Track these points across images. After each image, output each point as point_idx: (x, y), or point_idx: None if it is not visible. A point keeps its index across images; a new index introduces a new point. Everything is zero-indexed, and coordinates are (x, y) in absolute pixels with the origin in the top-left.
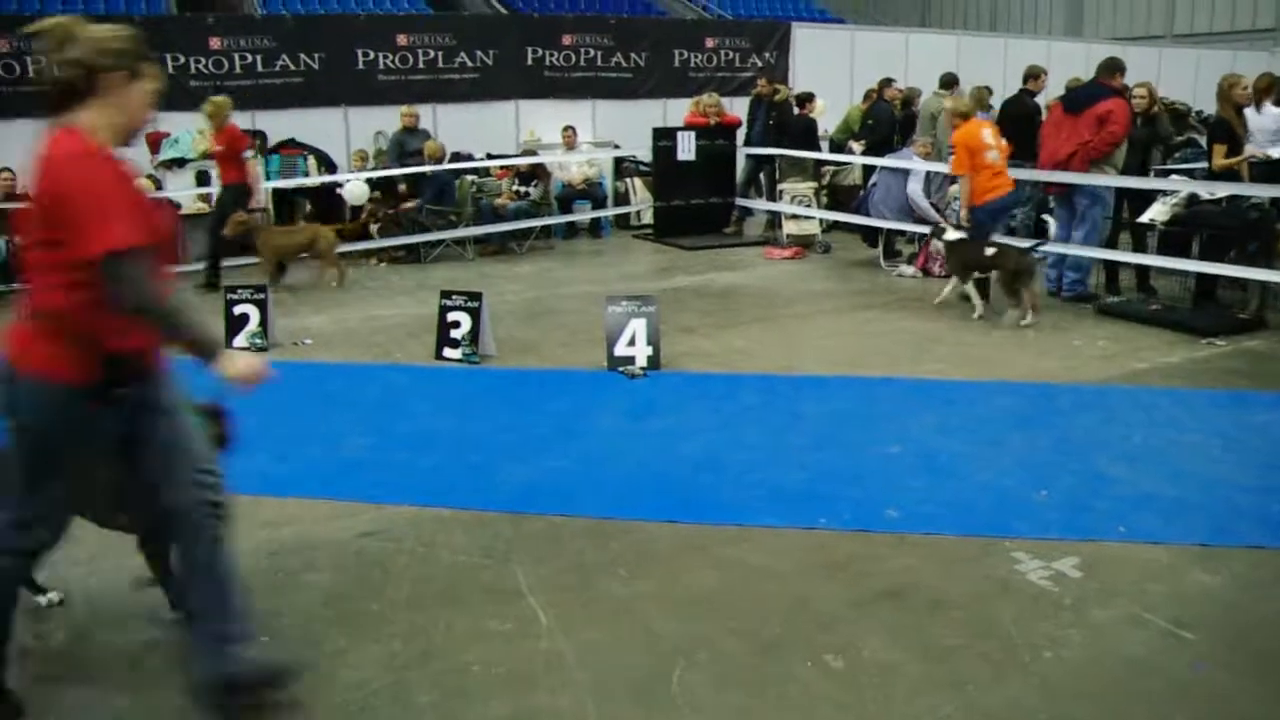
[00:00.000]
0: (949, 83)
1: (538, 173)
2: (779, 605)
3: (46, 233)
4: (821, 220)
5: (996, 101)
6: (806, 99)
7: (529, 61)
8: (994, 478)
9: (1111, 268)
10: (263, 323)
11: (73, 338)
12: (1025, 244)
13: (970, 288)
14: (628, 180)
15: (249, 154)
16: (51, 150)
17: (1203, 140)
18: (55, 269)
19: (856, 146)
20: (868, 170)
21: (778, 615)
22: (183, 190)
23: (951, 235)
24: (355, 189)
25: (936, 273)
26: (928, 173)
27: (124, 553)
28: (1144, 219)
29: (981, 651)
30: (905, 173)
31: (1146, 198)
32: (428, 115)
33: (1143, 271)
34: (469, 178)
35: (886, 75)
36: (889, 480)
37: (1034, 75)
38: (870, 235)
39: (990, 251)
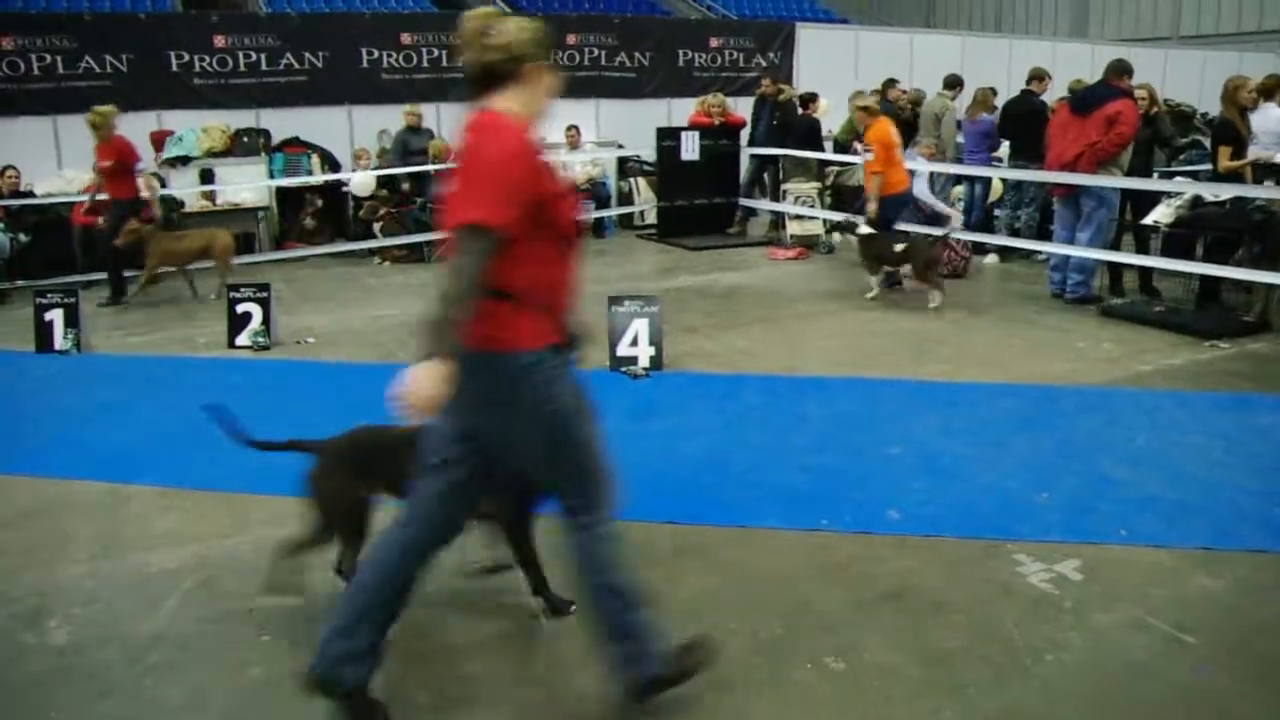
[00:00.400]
0: (953, 84)
1: None
2: (780, 607)
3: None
4: (825, 221)
5: (1000, 102)
6: (810, 99)
7: None
8: (996, 480)
9: (1115, 270)
10: (265, 321)
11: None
12: (936, 234)
13: (874, 277)
14: (631, 180)
15: (141, 167)
16: (479, 126)
17: (1207, 142)
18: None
19: (860, 147)
20: None
21: (779, 617)
22: (186, 188)
23: (863, 230)
24: (361, 179)
25: (944, 273)
26: (931, 173)
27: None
28: (1148, 221)
29: (982, 654)
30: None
31: (1150, 199)
32: (431, 114)
33: (1146, 273)
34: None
35: (890, 76)
36: (891, 482)
37: (1038, 77)
38: None
39: (900, 246)
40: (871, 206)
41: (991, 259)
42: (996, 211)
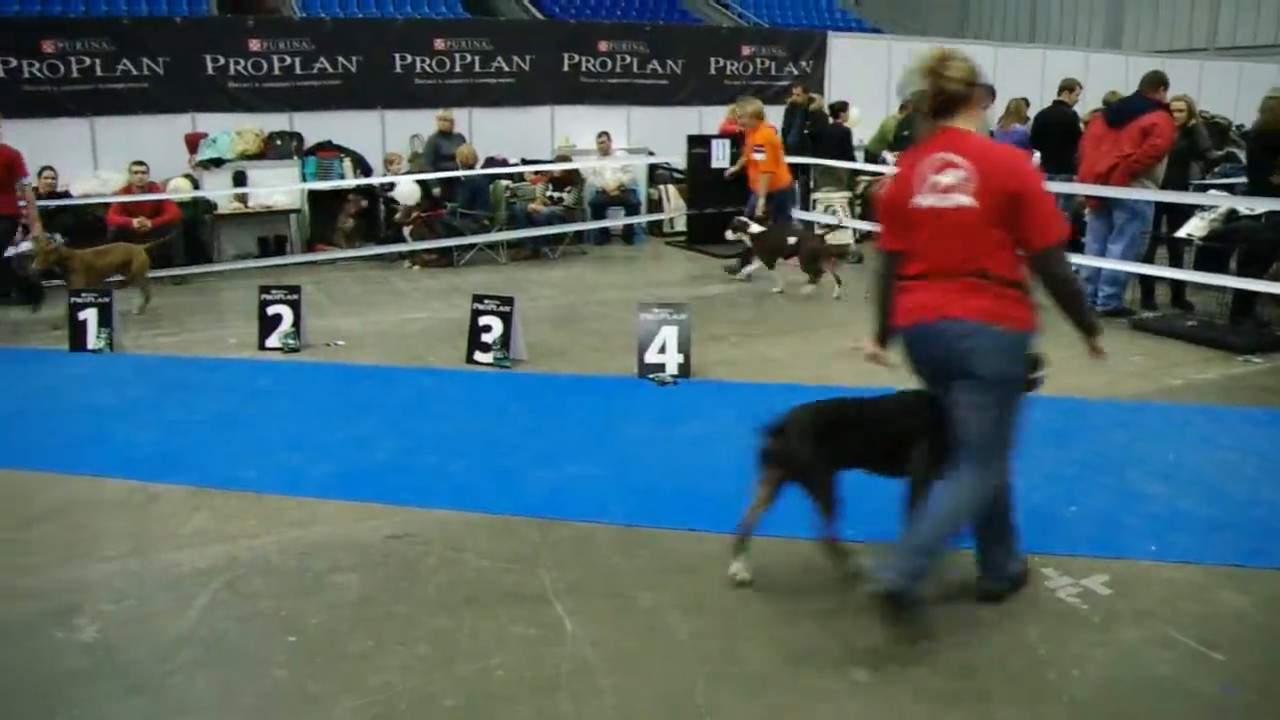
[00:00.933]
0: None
1: (571, 178)
2: (806, 615)
3: (1002, 216)
4: (855, 230)
5: (1033, 113)
6: (840, 108)
7: (565, 67)
8: (1024, 493)
9: (1148, 283)
10: (295, 323)
11: (1025, 297)
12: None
13: (776, 271)
14: (661, 187)
15: (26, 181)
16: (988, 147)
17: (1243, 155)
18: (1007, 245)
19: (891, 157)
20: None
21: (806, 627)
22: (220, 190)
23: (755, 228)
24: (407, 188)
25: None
26: None
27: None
28: (1181, 233)
29: (1008, 668)
30: None
31: (1185, 212)
32: (464, 119)
33: (1179, 287)
34: (503, 182)
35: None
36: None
37: (1069, 87)
38: None
39: (792, 240)
40: (763, 203)
41: None
42: None
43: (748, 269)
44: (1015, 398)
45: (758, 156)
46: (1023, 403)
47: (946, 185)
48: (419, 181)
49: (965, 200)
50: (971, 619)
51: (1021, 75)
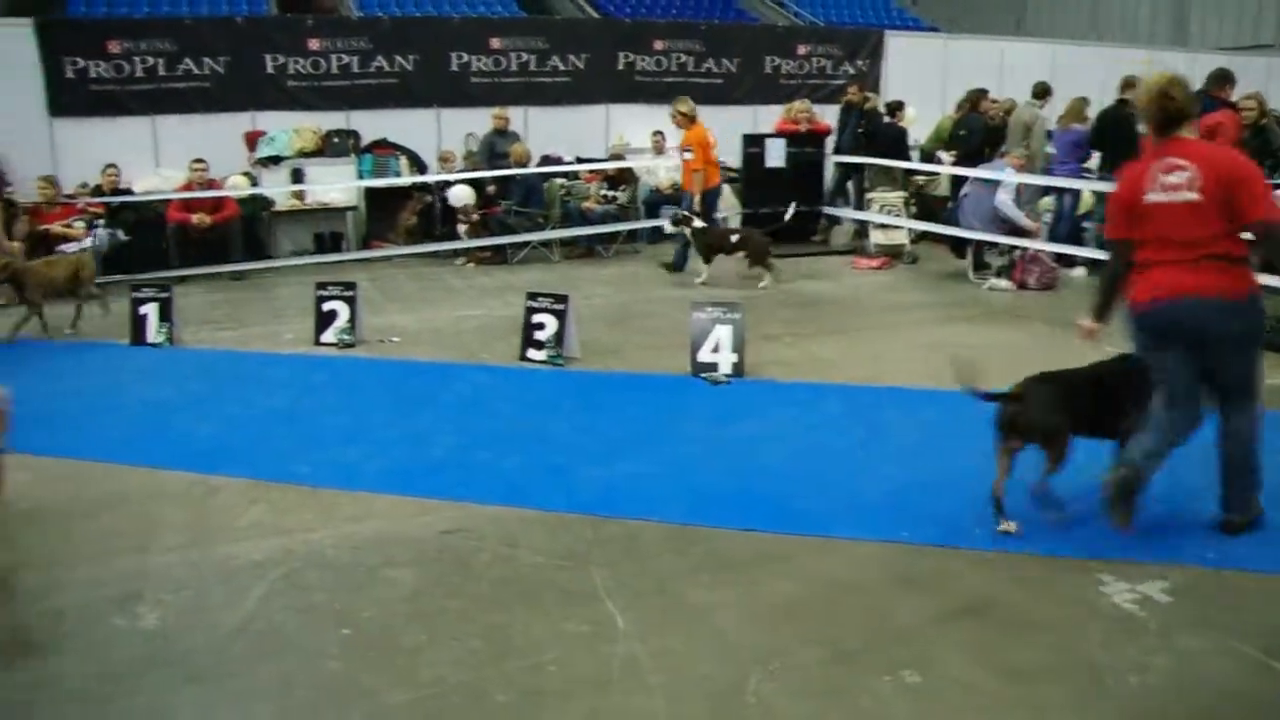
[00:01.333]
0: (1041, 92)
1: (625, 177)
2: (858, 617)
3: (1223, 206)
4: (910, 230)
5: (1093, 112)
6: (896, 107)
7: (620, 66)
8: (1083, 495)
9: None
10: (351, 319)
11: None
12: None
13: (706, 266)
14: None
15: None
16: (1210, 150)
17: None
18: (1229, 230)
19: (946, 157)
20: (957, 181)
21: (856, 627)
22: (278, 187)
23: (698, 223)
24: (461, 192)
25: (1032, 286)
26: (1018, 184)
27: None
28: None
29: (1064, 675)
30: (996, 183)
31: None
32: (519, 118)
33: None
34: (558, 180)
35: (979, 85)
36: (974, 496)
37: (1131, 85)
38: (959, 246)
39: (735, 237)
40: (697, 200)
41: (1079, 272)
42: (1085, 224)
43: (700, 280)
44: (1257, 350)
45: (686, 156)
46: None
47: (1174, 184)
48: (473, 180)
49: (1192, 196)
50: (1025, 622)
51: (1081, 74)
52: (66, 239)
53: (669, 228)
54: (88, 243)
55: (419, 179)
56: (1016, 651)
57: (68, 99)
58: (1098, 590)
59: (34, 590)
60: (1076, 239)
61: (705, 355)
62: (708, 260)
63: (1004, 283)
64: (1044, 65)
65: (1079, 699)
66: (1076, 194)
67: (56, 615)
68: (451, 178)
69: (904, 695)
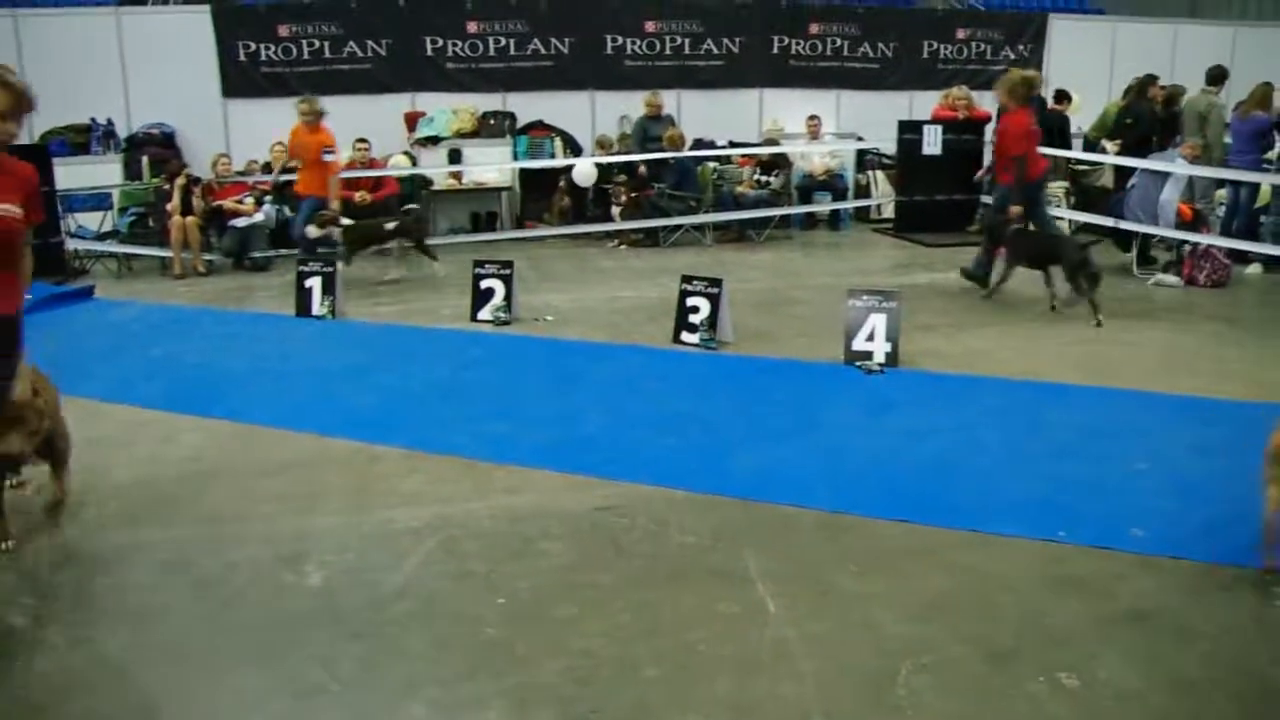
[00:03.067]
0: (1217, 78)
1: (779, 162)
2: (1012, 616)
3: None
4: (1070, 222)
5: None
6: (1063, 96)
7: (775, 50)
8: (1257, 506)
9: None
10: (507, 297)
11: None
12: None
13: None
14: (870, 173)
15: None
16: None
17: None
18: None
19: (1110, 146)
20: (1121, 172)
21: (1010, 626)
22: (436, 167)
23: (346, 221)
24: (584, 169)
25: (1202, 282)
26: (1191, 177)
27: None
28: None
29: (1231, 688)
30: (1165, 176)
31: None
32: (673, 101)
33: None
34: (711, 164)
35: (1149, 70)
36: (1135, 498)
37: None
38: (1123, 239)
39: (390, 225)
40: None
41: (1255, 269)
42: (1263, 218)
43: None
44: None
45: (327, 158)
46: None
47: None
48: (627, 163)
49: None
50: (1190, 630)
51: (1266, 59)
52: (238, 214)
53: (313, 232)
54: (258, 217)
55: (573, 161)
56: (1179, 661)
57: (239, 80)
58: (1269, 602)
59: (213, 544)
60: (1252, 234)
61: (860, 344)
62: (349, 261)
63: (1171, 278)
64: (1222, 49)
65: (1247, 715)
66: (1254, 187)
67: (232, 568)
68: (600, 159)
69: (1060, 699)
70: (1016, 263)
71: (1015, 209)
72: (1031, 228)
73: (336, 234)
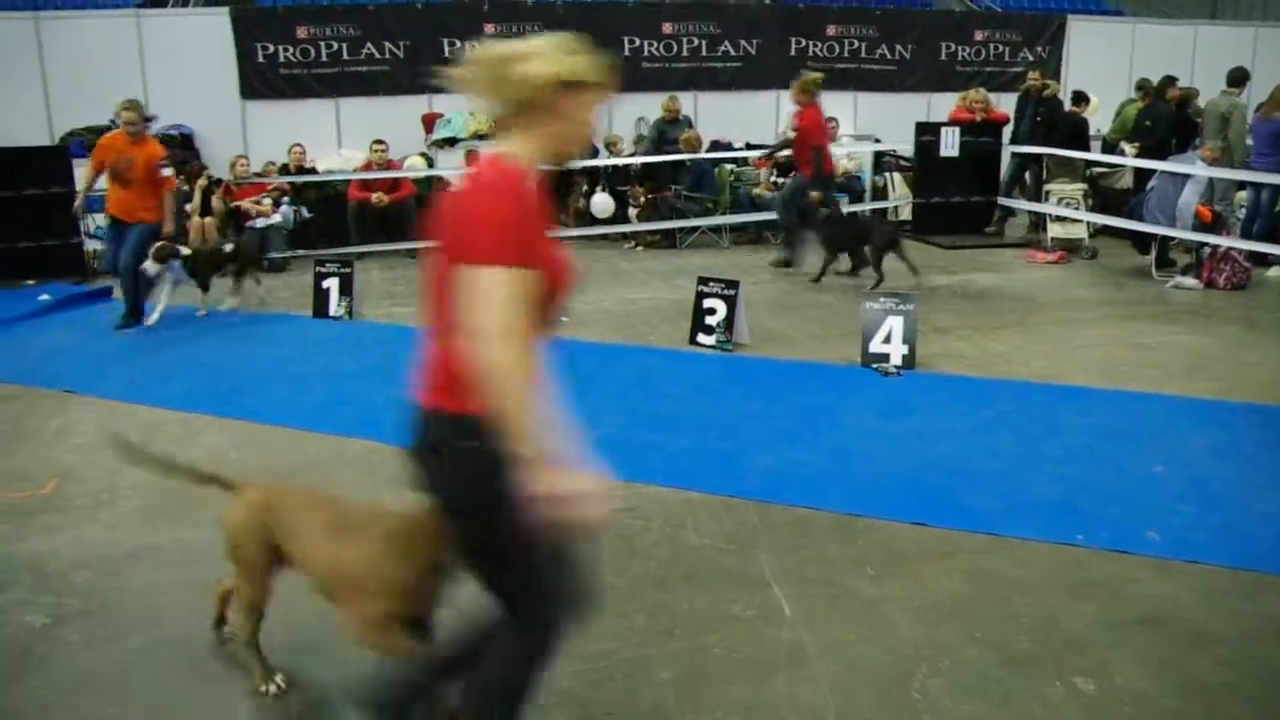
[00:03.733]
0: (1238, 80)
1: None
2: (1028, 620)
3: None
4: (1089, 224)
5: None
6: (1080, 98)
7: (792, 51)
8: (1273, 509)
9: None
10: None
11: None
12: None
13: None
14: (887, 175)
15: None
16: None
17: None
18: None
19: (1129, 148)
20: (1140, 174)
21: (1026, 630)
22: (453, 168)
23: (185, 250)
24: (602, 203)
25: (1222, 285)
26: (1211, 179)
27: None
28: None
29: (1248, 694)
30: (1184, 178)
31: None
32: (689, 102)
33: None
34: (728, 166)
35: (1168, 72)
36: (1152, 502)
37: None
38: (1142, 241)
39: (228, 248)
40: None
41: (1275, 271)
42: None
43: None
44: None
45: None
46: None
47: None
48: (645, 165)
49: None
50: (1207, 635)
51: None
52: (255, 215)
53: (152, 268)
54: (276, 218)
55: (589, 163)
56: (1197, 667)
57: (258, 82)
58: None
59: None
60: (1273, 236)
61: (876, 346)
62: (206, 288)
63: (1190, 281)
64: (1243, 50)
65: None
66: (1275, 189)
67: None
68: (620, 161)
69: (1076, 703)
70: (832, 247)
71: (815, 195)
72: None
73: (176, 266)
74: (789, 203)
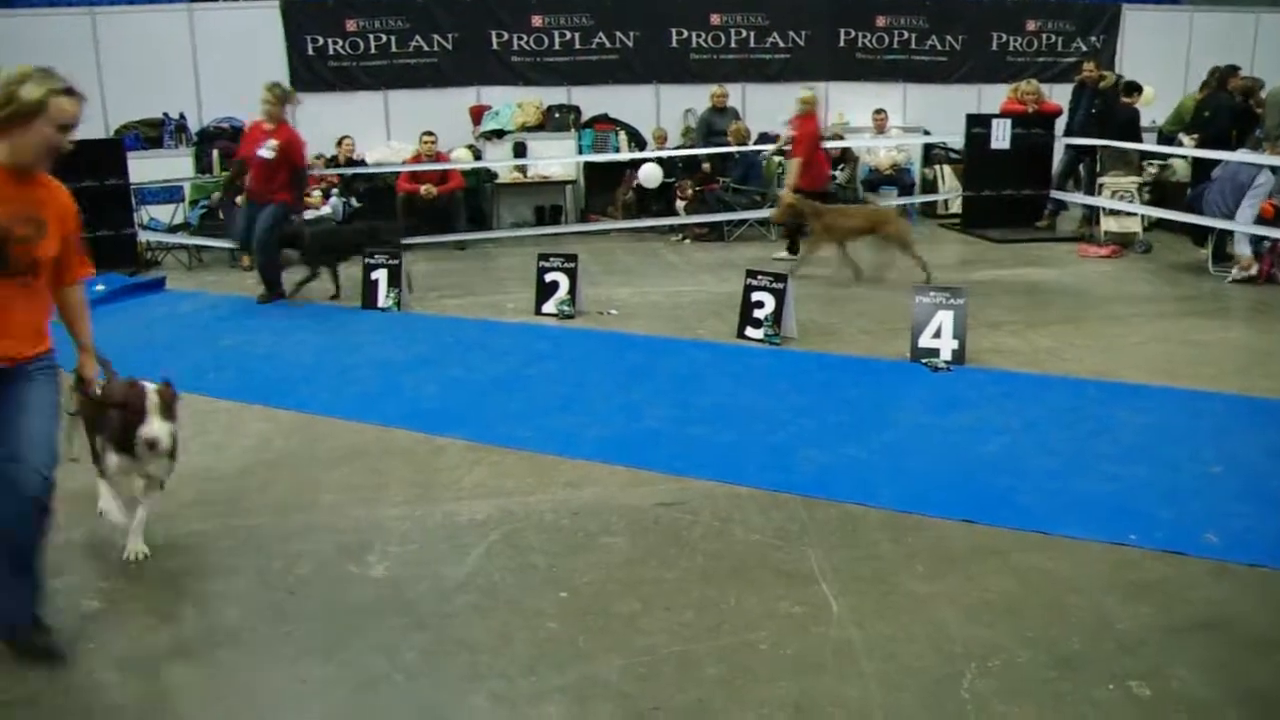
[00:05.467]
0: None
1: (845, 156)
2: (1080, 621)
3: None
4: (1143, 218)
5: None
6: (1134, 89)
7: (841, 43)
8: None
9: None
10: (571, 291)
11: None
12: None
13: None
14: (936, 167)
15: None
16: None
17: None
18: None
19: (1188, 140)
20: (1197, 166)
21: (1078, 631)
22: (500, 161)
23: None
24: (650, 171)
25: None
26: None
27: None
28: None
29: None
30: (1247, 174)
31: None
32: (737, 95)
33: None
34: (775, 159)
35: (1228, 62)
36: (1209, 502)
37: None
38: (1199, 235)
39: None
40: None
41: None
42: None
43: None
44: None
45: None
46: None
47: None
48: (690, 157)
49: None
50: (1266, 641)
51: None
52: (305, 206)
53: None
54: (325, 210)
55: (637, 155)
56: (1257, 673)
57: (308, 74)
58: None
59: (279, 533)
60: None
61: (926, 340)
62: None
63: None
64: None
65: None
66: None
67: (297, 557)
68: (665, 153)
69: (1130, 708)
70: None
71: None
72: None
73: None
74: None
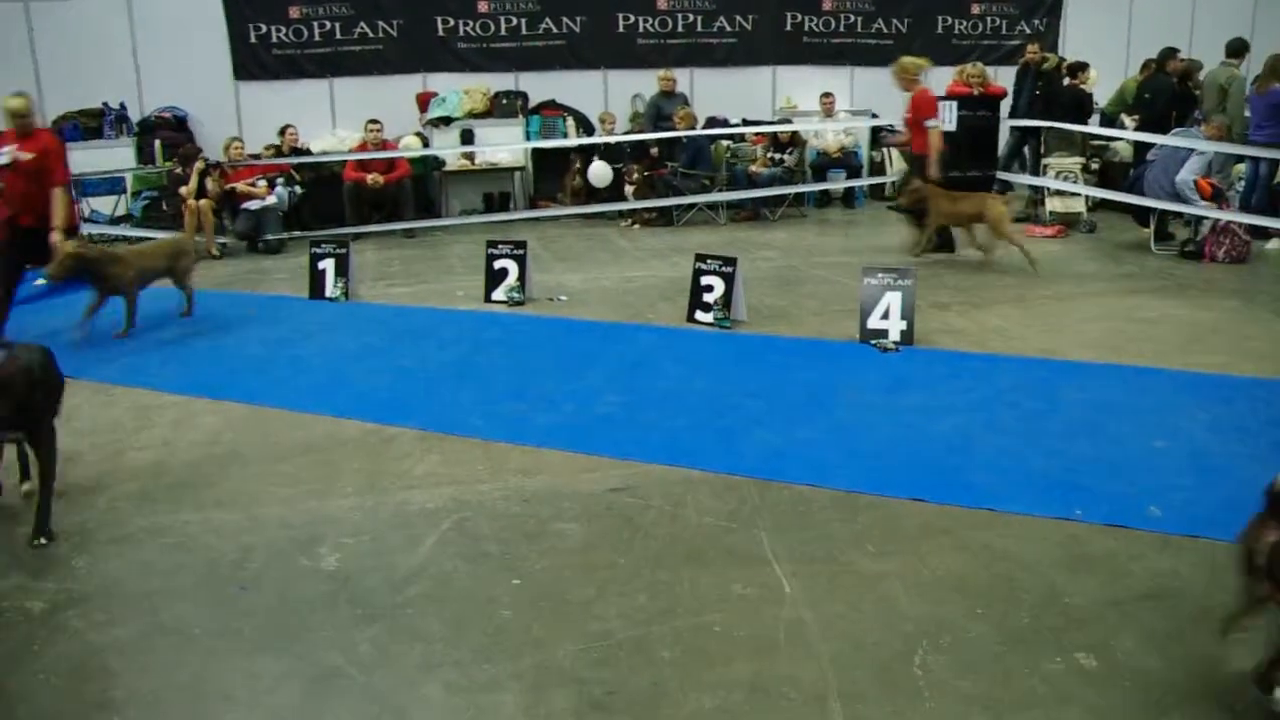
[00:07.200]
0: (1238, 50)
1: (793, 139)
2: (1028, 595)
3: None
4: (1087, 198)
5: None
6: (1079, 69)
7: (788, 26)
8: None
9: None
10: (520, 278)
11: None
12: None
13: None
14: (884, 150)
15: None
16: None
17: None
18: None
19: (1129, 121)
20: (1139, 147)
21: (1027, 605)
22: (448, 148)
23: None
24: (599, 171)
25: (1221, 259)
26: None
27: None
28: None
29: (1255, 666)
30: (1185, 152)
31: None
32: (685, 79)
33: None
34: (724, 143)
35: (1167, 44)
36: (1153, 476)
37: None
38: (1141, 215)
39: None
40: None
41: (1274, 244)
42: None
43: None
44: None
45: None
46: None
47: None
48: (640, 142)
49: None
50: (1213, 611)
51: None
52: (251, 197)
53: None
54: (271, 200)
55: (585, 141)
56: (1201, 641)
57: (251, 63)
58: None
59: (229, 527)
60: (1273, 209)
61: (875, 322)
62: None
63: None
64: (1242, 21)
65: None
66: (1274, 162)
67: (248, 551)
68: (614, 139)
69: (1078, 679)
70: None
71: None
72: None
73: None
74: None
